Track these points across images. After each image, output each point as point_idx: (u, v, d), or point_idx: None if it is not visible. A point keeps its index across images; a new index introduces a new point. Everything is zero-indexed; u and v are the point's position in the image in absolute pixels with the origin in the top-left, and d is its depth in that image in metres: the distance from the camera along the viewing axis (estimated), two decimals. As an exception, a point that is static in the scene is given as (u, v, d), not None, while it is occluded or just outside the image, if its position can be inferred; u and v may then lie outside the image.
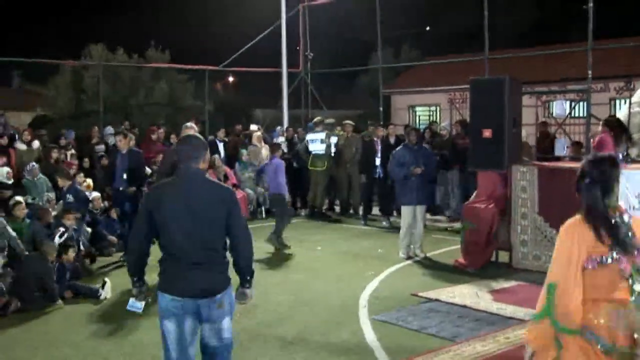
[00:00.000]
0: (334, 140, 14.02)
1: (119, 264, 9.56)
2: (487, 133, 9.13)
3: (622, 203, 7.58)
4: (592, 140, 9.96)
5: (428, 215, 11.47)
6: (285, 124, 18.24)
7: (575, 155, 11.86)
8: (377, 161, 12.76)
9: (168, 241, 4.11)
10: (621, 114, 10.57)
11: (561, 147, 14.53)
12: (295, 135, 15.44)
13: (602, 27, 14.07)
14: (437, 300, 7.55)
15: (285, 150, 14.58)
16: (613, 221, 3.20)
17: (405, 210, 10.01)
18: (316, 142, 13.76)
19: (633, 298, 3.12)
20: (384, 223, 12.72)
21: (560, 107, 14.63)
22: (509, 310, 7.07)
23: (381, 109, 18.01)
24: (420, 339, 6.27)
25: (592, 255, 3.15)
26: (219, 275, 4.16)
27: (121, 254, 9.82)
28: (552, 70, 19.62)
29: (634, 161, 9.64)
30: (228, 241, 4.23)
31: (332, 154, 13.88)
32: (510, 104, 9.17)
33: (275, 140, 14.71)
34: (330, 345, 6.21)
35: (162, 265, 4.19)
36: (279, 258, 10.16)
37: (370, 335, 6.40)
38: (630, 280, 3.13)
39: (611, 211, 3.26)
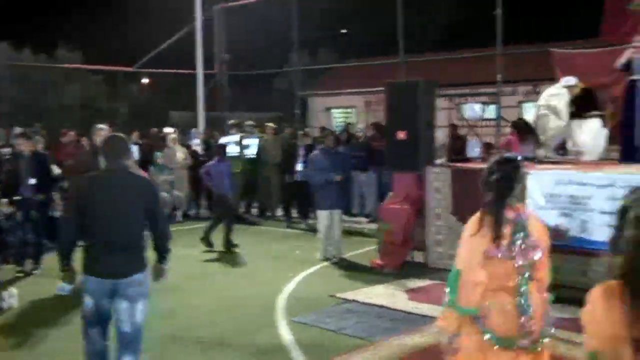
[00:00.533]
0: (253, 142, 13.96)
1: (29, 271, 9.18)
2: (402, 135, 9.30)
3: (529, 202, 7.86)
4: (500, 141, 10.28)
5: (345, 217, 11.58)
6: (202, 126, 18.05)
7: (486, 156, 12.21)
8: (299, 164, 12.79)
9: (94, 227, 4.51)
10: (529, 116, 10.95)
11: (473, 148, 14.91)
12: (212, 138, 15.30)
13: (512, 33, 14.57)
14: (354, 301, 7.62)
15: (200, 152, 14.44)
16: (507, 219, 3.45)
17: (323, 214, 10.08)
18: (231, 145, 13.69)
19: (517, 299, 3.41)
20: (302, 225, 12.77)
21: (472, 109, 15.04)
22: (424, 309, 7.20)
23: (298, 111, 18.04)
24: (338, 339, 6.32)
25: (490, 248, 3.41)
26: (138, 258, 4.60)
27: (30, 261, 9.43)
28: (465, 74, 20.17)
29: (541, 162, 10.01)
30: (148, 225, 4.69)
31: (251, 157, 13.82)
32: (425, 107, 9.37)
33: (190, 143, 14.56)
34: (249, 348, 6.18)
35: (86, 250, 4.57)
36: (198, 262, 10.04)
37: (288, 337, 6.41)
38: (519, 279, 3.41)
39: (509, 209, 3.51)
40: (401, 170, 9.55)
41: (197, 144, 14.93)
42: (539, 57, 15.71)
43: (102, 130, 8.04)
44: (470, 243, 3.48)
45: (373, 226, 9.87)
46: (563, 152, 11.29)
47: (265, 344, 6.28)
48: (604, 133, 10.29)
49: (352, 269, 9.37)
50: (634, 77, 9.58)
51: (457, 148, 14.64)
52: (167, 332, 6.44)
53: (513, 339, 3.40)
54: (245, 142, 13.93)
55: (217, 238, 10.79)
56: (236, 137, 13.71)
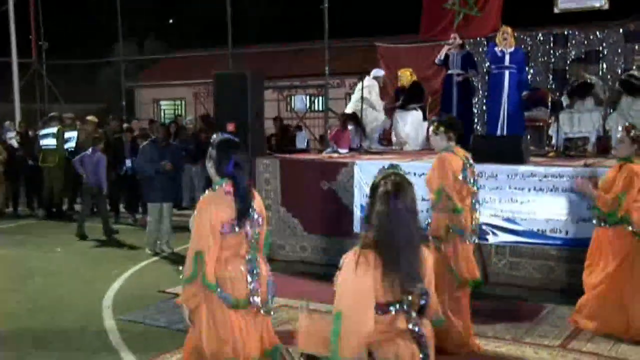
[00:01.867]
0: (72, 135, 13.27)
1: None
2: (230, 127, 9.22)
3: (356, 192, 8.09)
4: (329, 132, 10.52)
5: (176, 211, 11.34)
6: (18, 118, 16.91)
7: (319, 148, 12.46)
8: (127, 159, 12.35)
9: None
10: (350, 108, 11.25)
11: (302, 140, 15.18)
12: (29, 130, 14.38)
13: (339, 27, 14.94)
14: (185, 295, 7.46)
15: (16, 146, 13.56)
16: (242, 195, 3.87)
17: (152, 207, 9.85)
18: (48, 137, 12.95)
19: (248, 265, 3.94)
20: (130, 220, 12.36)
21: (300, 101, 15.30)
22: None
23: (124, 103, 17.44)
24: (169, 335, 6.15)
25: (226, 222, 3.80)
26: None
27: None
28: (294, 66, 20.45)
29: (367, 152, 10.36)
30: None
31: (70, 150, 13.11)
32: (253, 98, 9.36)
33: (6, 136, 13.61)
34: (73, 351, 5.86)
35: None
36: (12, 263, 9.41)
37: (115, 337, 6.17)
38: (249, 248, 3.93)
39: (229, 185, 3.88)
40: (231, 162, 9.47)
41: (11, 138, 13.95)
42: (365, 51, 16.29)
43: None
44: (207, 222, 3.80)
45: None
46: (387, 143, 11.79)
47: (92, 345, 5.98)
48: (425, 124, 10.84)
49: (182, 263, 9.12)
50: (450, 71, 10.16)
51: (286, 140, 14.83)
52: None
53: (246, 300, 3.90)
54: (65, 135, 13.21)
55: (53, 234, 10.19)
56: (54, 130, 12.97)
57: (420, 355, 3.01)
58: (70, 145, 13.19)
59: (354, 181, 8.45)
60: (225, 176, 3.91)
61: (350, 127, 10.65)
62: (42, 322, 6.70)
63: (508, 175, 7.52)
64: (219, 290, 3.84)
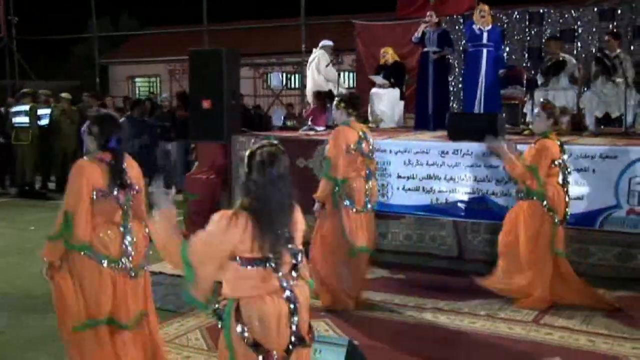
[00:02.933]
0: (46, 112, 13.08)
1: None
2: (206, 104, 9.16)
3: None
4: (304, 110, 10.49)
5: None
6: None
7: (294, 125, 12.41)
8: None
9: None
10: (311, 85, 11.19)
11: (278, 117, 15.12)
12: (2, 108, 14.14)
13: (315, 4, 14.85)
14: (161, 273, 7.42)
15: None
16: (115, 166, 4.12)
17: None
18: (21, 115, 12.75)
19: (122, 229, 4.16)
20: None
21: (276, 79, 15.21)
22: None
23: (98, 80, 17.23)
24: (144, 314, 6.13)
25: (98, 189, 4.01)
26: None
27: None
28: (270, 43, 20.30)
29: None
30: None
31: (43, 128, 12.92)
32: (229, 76, 9.28)
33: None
34: (48, 329, 5.81)
35: None
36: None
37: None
38: (123, 214, 4.13)
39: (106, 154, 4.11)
40: (206, 140, 9.43)
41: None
42: (341, 28, 16.19)
43: None
44: (80, 186, 4.02)
45: (179, 197, 9.67)
46: (364, 121, 11.77)
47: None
48: (401, 103, 10.86)
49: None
50: (426, 49, 10.15)
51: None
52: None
53: (118, 259, 4.11)
54: (38, 112, 13.02)
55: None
56: (27, 107, 12.77)
57: (290, 314, 3.16)
58: (44, 122, 13.00)
59: (330, 159, 8.43)
60: (106, 150, 4.11)
61: (324, 104, 10.62)
62: (17, 301, 6.64)
63: (483, 153, 7.55)
64: (87, 251, 4.04)
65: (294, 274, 3.21)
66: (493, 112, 9.01)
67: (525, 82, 10.53)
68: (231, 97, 9.27)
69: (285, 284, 3.16)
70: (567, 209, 6.17)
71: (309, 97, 10.56)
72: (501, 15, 11.79)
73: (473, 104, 9.50)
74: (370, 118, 11.11)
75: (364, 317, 6.02)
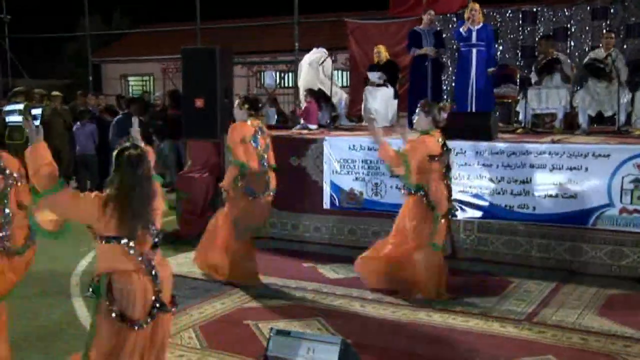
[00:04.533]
0: (37, 112, 13.01)
1: None
2: (199, 103, 9.15)
3: (326, 167, 8.11)
4: (297, 109, 10.47)
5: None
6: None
7: (286, 125, 12.39)
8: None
9: None
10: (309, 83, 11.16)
11: (272, 115, 15.09)
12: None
13: (308, 2, 14.83)
14: (154, 272, 7.43)
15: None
16: None
17: None
18: (14, 114, 12.68)
19: None
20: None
21: (270, 77, 15.18)
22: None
23: (91, 78, 17.16)
24: (137, 313, 6.12)
25: None
26: None
27: None
28: (264, 42, 20.28)
29: (336, 128, 10.36)
30: None
31: (37, 126, 12.87)
32: (222, 74, 9.27)
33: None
34: (41, 328, 5.81)
35: None
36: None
37: (84, 314, 6.11)
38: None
39: None
40: (199, 138, 9.41)
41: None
42: (334, 26, 16.19)
43: None
44: None
45: (172, 196, 9.66)
46: (357, 119, 11.78)
47: (58, 322, 5.94)
48: (395, 102, 10.86)
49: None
50: (422, 49, 10.13)
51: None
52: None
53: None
54: (32, 111, 12.94)
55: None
56: (20, 106, 12.71)
57: (153, 288, 3.71)
58: (37, 122, 12.92)
59: (323, 157, 8.44)
60: None
61: (319, 103, 10.62)
62: (10, 299, 6.60)
63: (476, 152, 7.57)
64: None
65: (155, 250, 3.79)
66: (486, 110, 9.02)
67: (518, 80, 10.55)
68: (224, 96, 9.26)
69: (146, 260, 3.70)
70: (450, 204, 6.43)
71: (302, 95, 10.55)
72: (494, 14, 11.81)
73: (465, 102, 9.51)
74: (363, 116, 11.11)
75: (356, 315, 6.02)
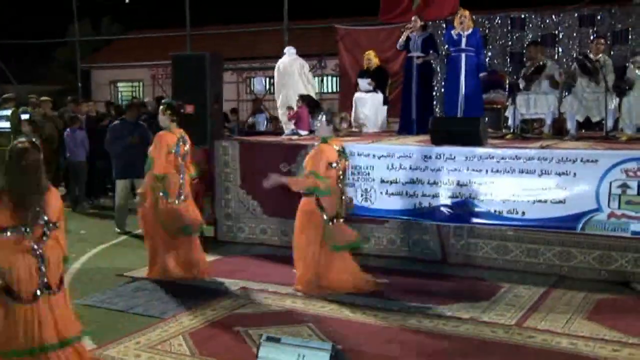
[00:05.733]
0: (26, 117, 12.95)
1: None
2: (189, 109, 9.12)
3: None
4: (288, 114, 10.47)
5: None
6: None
7: (275, 130, 12.40)
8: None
9: None
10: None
11: (262, 122, 15.10)
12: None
13: (297, 8, 14.85)
14: (144, 278, 7.42)
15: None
16: None
17: (120, 184, 9.96)
18: (2, 120, 12.62)
19: None
20: (85, 204, 12.20)
21: (259, 83, 15.18)
22: (215, 283, 7.20)
23: (80, 84, 17.12)
24: (128, 319, 6.11)
25: None
26: None
27: None
28: (253, 48, 20.29)
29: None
30: None
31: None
32: (212, 80, 9.28)
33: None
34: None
35: None
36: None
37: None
38: None
39: None
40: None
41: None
42: (324, 32, 16.23)
43: None
44: None
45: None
46: (347, 125, 11.77)
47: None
48: (384, 108, 10.89)
49: (142, 247, 9.07)
50: (411, 54, 10.18)
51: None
52: None
53: None
54: (22, 116, 12.88)
55: None
56: (8, 112, 12.64)
57: (38, 268, 4.23)
58: (26, 128, 12.83)
59: (313, 163, 8.43)
60: None
61: (311, 108, 10.61)
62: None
63: (466, 157, 7.60)
64: None
65: (44, 238, 4.28)
66: (475, 116, 9.06)
67: (507, 86, 10.60)
68: (214, 102, 9.26)
69: (35, 246, 4.22)
70: (341, 209, 6.78)
71: (292, 101, 10.55)
72: (483, 20, 11.88)
73: (455, 108, 9.55)
74: (353, 122, 11.13)
75: (347, 322, 6.02)
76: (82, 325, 4.65)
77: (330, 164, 6.62)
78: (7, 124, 12.57)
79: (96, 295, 6.81)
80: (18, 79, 18.70)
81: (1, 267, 4.16)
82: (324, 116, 6.79)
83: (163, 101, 8.32)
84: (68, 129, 11.93)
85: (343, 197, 6.85)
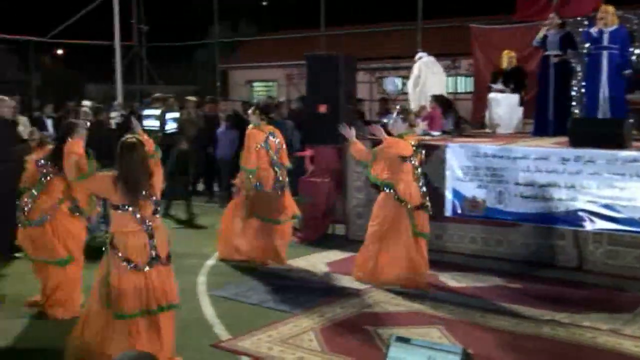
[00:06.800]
0: (174, 116, 13.59)
1: None
2: (322, 108, 9.28)
3: (448, 174, 8.03)
4: (421, 115, 10.40)
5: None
6: (119, 99, 17.54)
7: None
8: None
9: None
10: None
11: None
12: (132, 111, 14.83)
13: (432, 7, 14.73)
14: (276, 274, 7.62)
15: (113, 127, 14.01)
16: None
17: None
18: (150, 119, 13.29)
19: None
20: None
21: (391, 83, 15.14)
22: (344, 280, 7.28)
23: (219, 84, 17.79)
24: (260, 312, 6.30)
25: None
26: None
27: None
28: (386, 48, 20.28)
29: (459, 135, 10.19)
30: None
31: (172, 132, 13.42)
32: (345, 80, 9.37)
33: (111, 115, 14.02)
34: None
35: None
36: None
37: (209, 311, 6.36)
38: None
39: None
40: (322, 144, 9.55)
41: (113, 118, 14.42)
42: (457, 32, 15.96)
43: (3, 102, 8.26)
44: None
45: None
46: (481, 126, 11.55)
47: (185, 319, 6.13)
48: (520, 109, 10.59)
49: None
50: (547, 52, 9.84)
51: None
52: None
53: None
54: (167, 116, 13.53)
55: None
56: (157, 112, 13.32)
57: (148, 240, 4.91)
58: (171, 126, 13.37)
59: (445, 164, 8.33)
60: None
61: (443, 109, 10.51)
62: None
63: (607, 161, 7.24)
64: None
65: (155, 215, 4.99)
66: (619, 117, 8.62)
67: (656, 86, 9.98)
68: (347, 102, 9.35)
69: (144, 223, 4.89)
70: (423, 199, 7.02)
71: (425, 101, 10.46)
72: (630, 16, 11.25)
73: (594, 109, 9.12)
74: (487, 123, 10.91)
75: (476, 326, 5.91)
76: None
77: (404, 158, 6.90)
78: (155, 123, 13.20)
79: (231, 288, 7.07)
80: (162, 80, 19.72)
81: (119, 238, 4.87)
82: (399, 114, 7.14)
83: (252, 104, 9.07)
84: (223, 126, 12.30)
85: (420, 190, 7.07)
